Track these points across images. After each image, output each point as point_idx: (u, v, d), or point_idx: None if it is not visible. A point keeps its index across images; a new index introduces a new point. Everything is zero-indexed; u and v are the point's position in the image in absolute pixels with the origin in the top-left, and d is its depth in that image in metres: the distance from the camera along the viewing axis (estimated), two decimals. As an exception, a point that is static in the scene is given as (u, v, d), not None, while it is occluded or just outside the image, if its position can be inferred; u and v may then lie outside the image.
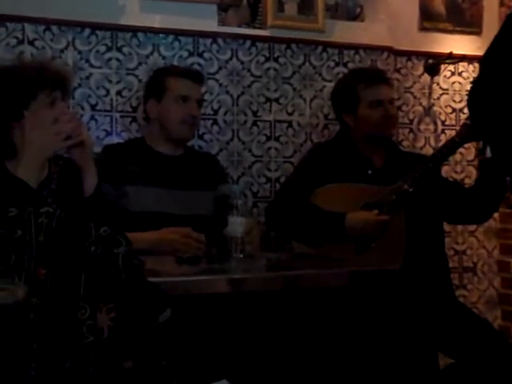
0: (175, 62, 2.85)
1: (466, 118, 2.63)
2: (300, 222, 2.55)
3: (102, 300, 1.44)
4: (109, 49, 2.77)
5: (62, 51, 2.70)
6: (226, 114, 2.94)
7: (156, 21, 2.84)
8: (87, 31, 2.74)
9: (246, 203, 2.79)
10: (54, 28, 2.69)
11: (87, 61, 2.74)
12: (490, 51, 1.48)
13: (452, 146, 2.58)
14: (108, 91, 2.77)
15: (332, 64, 3.12)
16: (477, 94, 1.49)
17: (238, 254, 2.06)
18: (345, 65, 3.14)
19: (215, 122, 2.89)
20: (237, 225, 2.07)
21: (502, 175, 2.54)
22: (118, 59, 2.79)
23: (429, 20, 3.38)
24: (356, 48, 3.16)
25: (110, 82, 2.77)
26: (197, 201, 2.45)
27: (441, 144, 2.92)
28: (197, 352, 1.73)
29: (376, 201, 2.52)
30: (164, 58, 2.85)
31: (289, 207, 2.60)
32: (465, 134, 2.55)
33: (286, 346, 1.89)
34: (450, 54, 3.31)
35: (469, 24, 3.43)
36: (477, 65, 3.42)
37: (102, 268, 1.47)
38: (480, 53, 3.38)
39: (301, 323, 1.91)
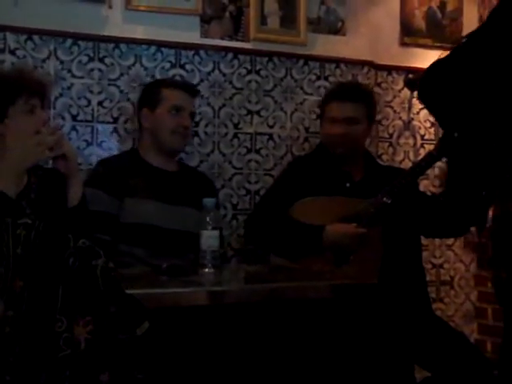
0: (157, 74, 2.86)
1: (443, 135, 2.67)
2: (278, 235, 2.56)
3: (79, 312, 1.44)
4: (91, 59, 2.77)
5: (43, 61, 2.69)
6: (207, 125, 2.95)
7: (138, 32, 2.85)
8: (69, 41, 2.74)
9: (221, 216, 2.80)
10: (36, 38, 2.69)
11: (69, 71, 2.74)
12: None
13: (430, 160, 2.60)
14: (89, 101, 2.77)
15: (313, 77, 3.15)
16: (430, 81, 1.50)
17: (212, 267, 2.06)
18: (326, 78, 3.16)
19: (196, 133, 2.90)
20: (211, 238, 2.07)
21: (473, 187, 2.57)
22: (99, 70, 2.79)
23: (409, 35, 3.42)
24: (337, 62, 3.19)
25: (92, 92, 2.77)
26: (189, 218, 2.47)
27: (419, 158, 2.95)
28: (174, 365, 1.73)
29: (354, 214, 2.54)
30: (146, 69, 2.86)
31: (267, 220, 2.61)
32: (443, 149, 2.58)
33: (265, 358, 1.90)
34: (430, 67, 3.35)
35: (448, 40, 3.47)
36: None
37: (80, 280, 1.47)
38: (459, 69, 3.44)
39: (280, 336, 1.91)
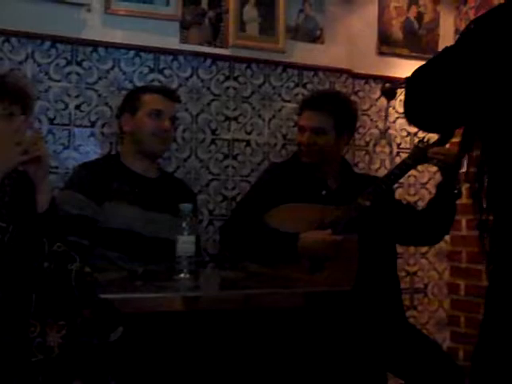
0: (135, 78, 2.86)
1: (418, 141, 2.69)
2: (254, 242, 2.57)
3: (53, 317, 1.43)
4: (69, 62, 2.77)
5: (20, 63, 2.68)
6: (184, 131, 2.95)
7: (117, 36, 2.85)
8: (47, 44, 2.73)
9: (197, 222, 2.80)
10: (14, 40, 2.68)
11: (46, 74, 2.73)
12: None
13: (404, 168, 2.63)
14: (67, 105, 2.76)
15: (291, 85, 3.16)
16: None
17: (188, 272, 2.06)
18: (304, 86, 3.18)
19: (174, 139, 2.90)
20: (187, 244, 2.07)
21: (455, 198, 2.61)
22: (77, 73, 2.78)
23: (387, 45, 3.45)
24: (315, 70, 3.20)
25: (69, 95, 2.76)
26: (167, 225, 2.47)
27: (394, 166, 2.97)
28: (148, 371, 1.73)
29: (330, 221, 2.55)
30: (124, 73, 2.85)
31: (243, 227, 2.62)
32: (417, 156, 2.60)
33: (239, 364, 1.90)
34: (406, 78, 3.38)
35: (425, 50, 3.51)
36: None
37: (55, 284, 1.46)
38: (435, 79, 3.48)
39: (255, 342, 1.92)
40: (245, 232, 2.60)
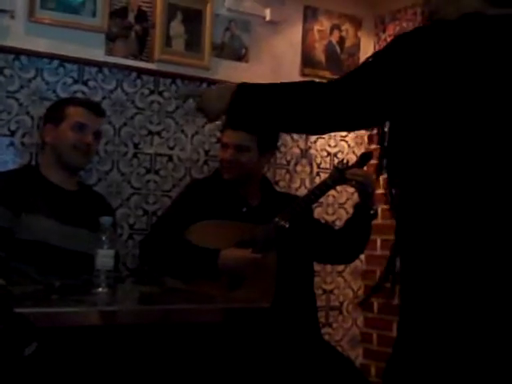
0: (59, 89, 2.83)
1: (338, 162, 2.77)
2: (173, 258, 2.57)
3: (-35, 331, 1.40)
4: (-12, 69, 2.71)
5: None
6: (107, 144, 2.93)
7: (41, 45, 2.81)
8: (-34, 49, 2.67)
9: (117, 235, 2.79)
10: None
11: (-34, 80, 2.67)
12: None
13: (324, 188, 2.69)
14: (-14, 113, 2.71)
15: (215, 102, 3.18)
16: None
17: (106, 286, 2.04)
18: (228, 103, 3.21)
19: (96, 151, 2.87)
20: (106, 257, 2.06)
21: (371, 218, 2.69)
22: (-2, 81, 2.73)
23: (309, 67, 3.52)
24: (239, 88, 3.24)
25: (-11, 103, 2.71)
26: (84, 238, 2.44)
27: (314, 185, 3.04)
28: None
29: (250, 238, 2.58)
30: (48, 83, 2.82)
31: (162, 242, 2.62)
32: (336, 177, 2.67)
33: (156, 380, 1.89)
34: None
35: (346, 73, 3.60)
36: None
37: (-32, 297, 1.43)
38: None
39: (172, 357, 1.91)
40: (164, 247, 2.60)
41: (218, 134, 3.03)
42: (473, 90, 1.46)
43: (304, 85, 1.67)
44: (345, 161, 2.72)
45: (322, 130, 1.84)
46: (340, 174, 2.63)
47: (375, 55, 1.61)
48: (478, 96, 1.46)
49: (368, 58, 1.60)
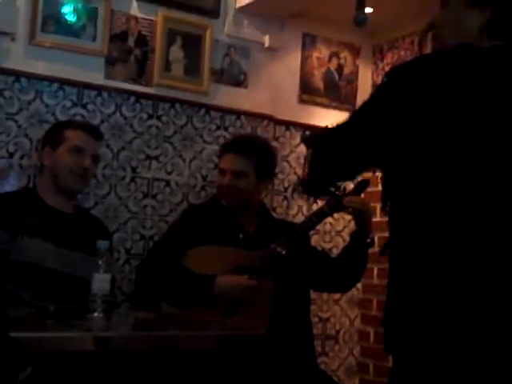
0: (58, 111, 2.83)
1: (335, 190, 2.76)
2: (169, 283, 2.55)
3: (-42, 355, 1.38)
4: (-12, 91, 2.71)
5: None
6: (104, 167, 2.93)
7: (41, 67, 2.81)
8: (-35, 71, 2.68)
9: (113, 260, 2.77)
10: None
11: (-36, 102, 2.67)
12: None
13: (321, 215, 2.68)
14: (-16, 135, 2.70)
15: (213, 127, 3.19)
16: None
17: (102, 311, 2.02)
18: (226, 129, 3.21)
19: (94, 175, 2.87)
20: (103, 282, 2.04)
21: (367, 246, 2.68)
22: (-3, 102, 2.73)
23: (308, 93, 3.54)
24: (238, 113, 3.25)
25: (-13, 125, 2.71)
26: (80, 262, 2.43)
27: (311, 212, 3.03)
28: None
29: (246, 265, 2.57)
30: (47, 105, 2.82)
31: (158, 267, 2.60)
32: (333, 205, 2.66)
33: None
34: (326, 127, 3.46)
35: (344, 101, 3.63)
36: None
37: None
38: (354, 130, 3.60)
39: (166, 384, 1.90)
40: (160, 273, 2.58)
41: (216, 160, 3.03)
42: (466, 121, 1.50)
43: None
44: (342, 188, 2.72)
45: (350, 174, 1.85)
46: (337, 201, 2.63)
47: (372, 98, 1.64)
48: (471, 126, 1.50)
49: (365, 101, 1.64)
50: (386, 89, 1.60)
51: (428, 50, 3.39)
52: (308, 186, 1.88)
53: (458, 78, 1.52)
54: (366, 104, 1.65)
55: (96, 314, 2.01)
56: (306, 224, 2.68)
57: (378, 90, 1.63)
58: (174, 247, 2.62)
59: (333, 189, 2.95)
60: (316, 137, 1.79)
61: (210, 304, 2.48)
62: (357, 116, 1.66)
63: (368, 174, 3.48)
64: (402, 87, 1.56)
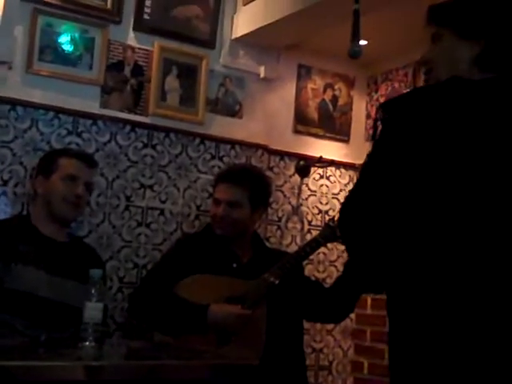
0: (53, 140, 2.84)
1: (329, 220, 2.77)
2: (162, 312, 2.54)
3: None
4: (-16, 119, 2.72)
5: None
6: (99, 196, 2.93)
7: (37, 96, 2.83)
8: (-39, 99, 2.69)
9: (106, 289, 2.76)
10: None
11: (-41, 129, 2.68)
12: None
13: (315, 245, 2.68)
14: (-21, 163, 2.70)
15: (208, 156, 3.20)
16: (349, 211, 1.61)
17: (93, 340, 2.01)
18: (220, 158, 3.22)
19: (87, 203, 2.86)
20: (95, 310, 2.03)
21: (361, 278, 2.67)
22: (-8, 131, 2.74)
23: (302, 124, 3.56)
24: (232, 143, 3.26)
25: (-18, 153, 2.71)
26: (73, 291, 2.42)
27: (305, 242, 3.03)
28: None
29: (240, 295, 2.56)
30: (42, 134, 2.83)
31: (151, 296, 2.59)
32: (327, 235, 2.66)
33: None
34: (320, 158, 3.49)
35: (338, 132, 3.66)
36: (344, 170, 3.63)
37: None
38: (347, 159, 3.63)
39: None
40: (153, 301, 2.57)
41: (210, 189, 3.03)
42: (459, 161, 1.50)
43: None
44: (336, 218, 2.72)
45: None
46: (331, 232, 2.63)
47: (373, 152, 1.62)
48: (463, 166, 1.50)
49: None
50: (392, 129, 1.58)
51: (421, 81, 3.43)
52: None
53: (447, 114, 1.52)
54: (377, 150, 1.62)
55: (87, 343, 2.00)
56: (300, 254, 2.68)
57: (383, 132, 1.61)
58: (167, 276, 2.61)
59: (327, 219, 2.95)
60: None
61: (203, 332, 2.47)
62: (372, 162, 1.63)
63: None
64: (403, 125, 1.55)
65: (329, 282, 3.39)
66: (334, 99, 3.66)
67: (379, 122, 1.60)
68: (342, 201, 3.60)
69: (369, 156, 1.61)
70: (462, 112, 1.52)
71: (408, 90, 1.68)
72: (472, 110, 1.53)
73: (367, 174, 1.59)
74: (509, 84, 1.57)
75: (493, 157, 1.50)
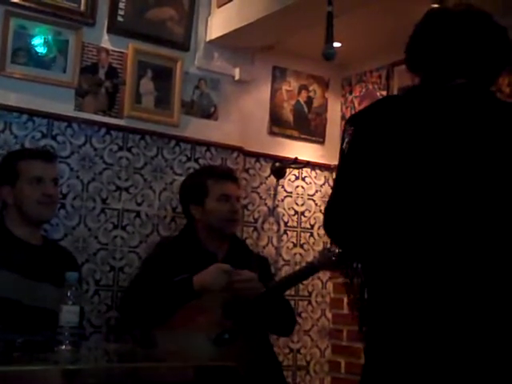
0: (27, 143, 2.82)
1: (325, 247, 2.78)
2: (153, 300, 2.54)
3: None
4: (-44, 123, 2.69)
5: None
6: (74, 198, 2.91)
7: (11, 98, 2.80)
8: None
9: (83, 291, 2.74)
10: None
11: None
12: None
13: (310, 271, 2.68)
14: (-49, 167, 2.66)
15: (184, 158, 3.20)
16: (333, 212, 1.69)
17: (70, 344, 2.00)
18: (196, 160, 3.22)
19: (63, 206, 2.85)
20: (71, 314, 2.02)
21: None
22: (-35, 134, 2.71)
23: (278, 126, 3.58)
24: (208, 145, 3.26)
25: (-47, 157, 2.67)
26: (48, 294, 2.40)
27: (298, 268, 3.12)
28: None
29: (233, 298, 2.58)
30: (16, 137, 2.80)
31: (139, 302, 2.58)
32: (323, 261, 2.61)
33: None
34: (296, 159, 3.50)
35: (313, 133, 3.67)
36: (319, 171, 3.65)
37: None
38: (322, 160, 3.65)
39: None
40: (142, 305, 2.56)
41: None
42: (417, 161, 1.62)
43: None
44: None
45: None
46: (328, 258, 2.56)
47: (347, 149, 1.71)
48: (431, 170, 1.61)
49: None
50: (357, 139, 1.68)
51: (395, 83, 3.49)
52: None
53: (403, 118, 1.65)
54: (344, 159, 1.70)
55: (64, 347, 1.98)
56: (295, 277, 2.75)
57: (351, 142, 1.68)
58: (151, 281, 2.61)
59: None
60: None
61: (196, 298, 2.50)
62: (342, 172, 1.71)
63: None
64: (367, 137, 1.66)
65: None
66: (309, 101, 3.68)
67: (346, 134, 1.70)
68: (317, 202, 3.63)
69: (340, 165, 1.71)
70: (416, 115, 1.66)
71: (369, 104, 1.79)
72: (420, 113, 1.66)
73: (342, 180, 1.69)
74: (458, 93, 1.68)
75: (442, 150, 1.60)
